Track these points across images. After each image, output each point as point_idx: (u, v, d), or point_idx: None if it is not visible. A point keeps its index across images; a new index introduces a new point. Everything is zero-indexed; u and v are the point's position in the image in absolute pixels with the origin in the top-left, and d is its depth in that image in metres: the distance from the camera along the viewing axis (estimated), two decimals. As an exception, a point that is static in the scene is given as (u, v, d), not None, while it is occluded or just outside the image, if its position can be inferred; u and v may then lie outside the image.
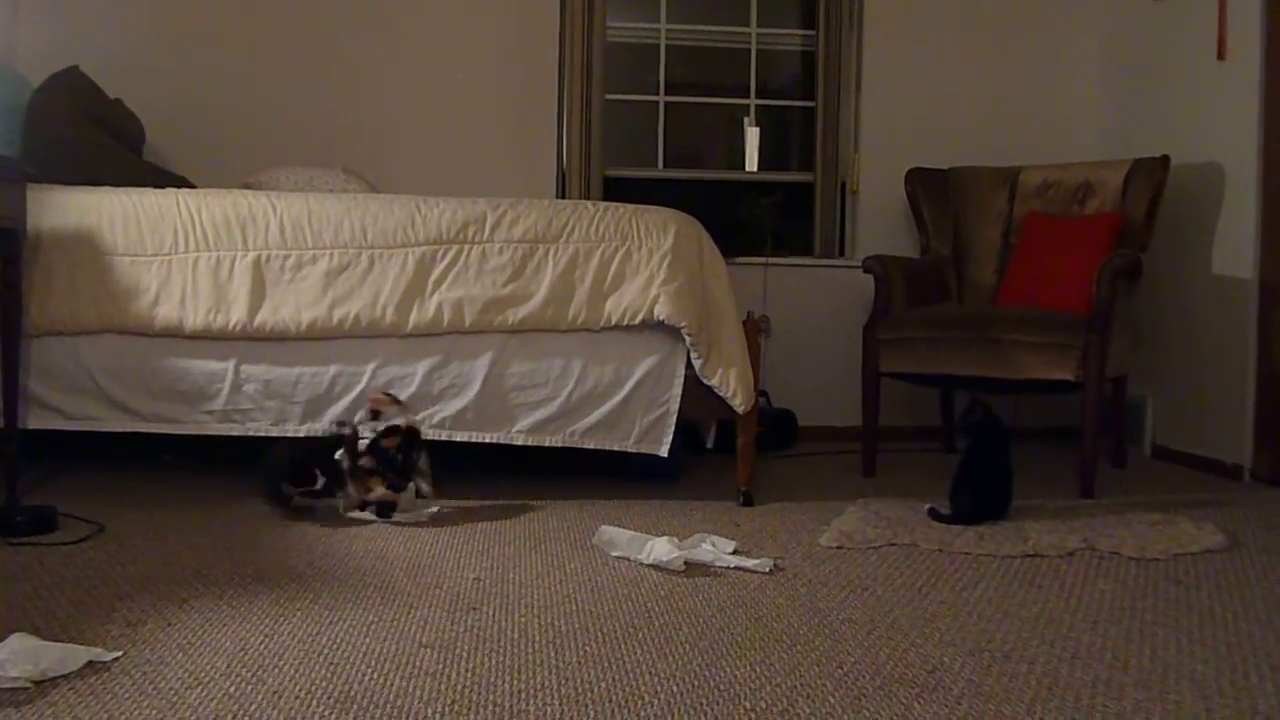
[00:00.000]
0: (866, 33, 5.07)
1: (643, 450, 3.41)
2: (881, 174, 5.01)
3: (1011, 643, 2.16)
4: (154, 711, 1.74)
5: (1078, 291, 3.90)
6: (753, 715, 1.76)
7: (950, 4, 5.11)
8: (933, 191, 4.71)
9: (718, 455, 3.94)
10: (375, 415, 3.12)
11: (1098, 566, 2.79)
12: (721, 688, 1.88)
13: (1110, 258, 3.84)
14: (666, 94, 5.29)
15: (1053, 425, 4.77)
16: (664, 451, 3.39)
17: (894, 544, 2.97)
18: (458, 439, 3.37)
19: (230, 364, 3.33)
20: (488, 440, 3.39)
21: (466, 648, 2.06)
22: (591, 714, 1.75)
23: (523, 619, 2.24)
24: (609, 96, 5.03)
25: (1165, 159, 4.21)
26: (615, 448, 3.40)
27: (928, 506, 3.29)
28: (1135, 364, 4.38)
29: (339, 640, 2.09)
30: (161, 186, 3.63)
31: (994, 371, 3.82)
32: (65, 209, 3.36)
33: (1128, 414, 4.44)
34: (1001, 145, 4.94)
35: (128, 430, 3.34)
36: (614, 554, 2.75)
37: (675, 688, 1.88)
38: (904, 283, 4.25)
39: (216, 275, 3.32)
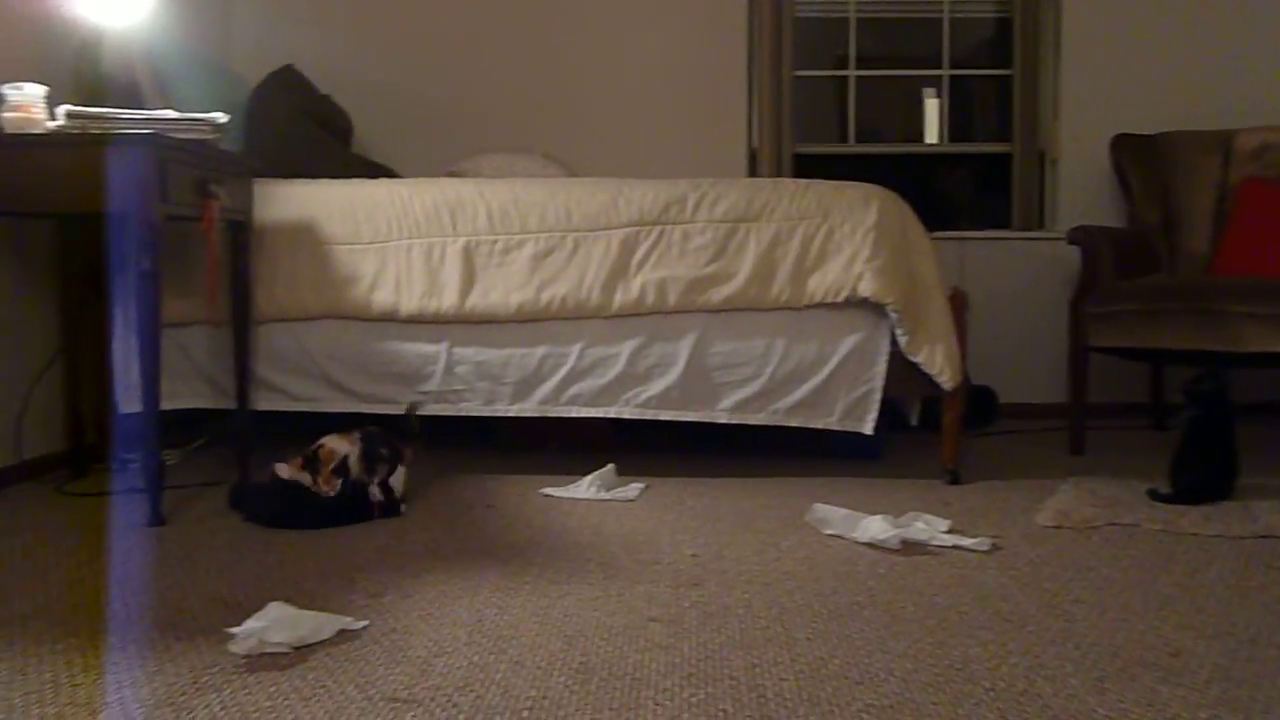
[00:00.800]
0: (1066, -5, 4.89)
1: (847, 428, 3.38)
2: (1082, 142, 4.84)
3: (1256, 627, 2.08)
4: (406, 678, 1.82)
5: (1304, 259, 3.70)
6: (992, 694, 1.74)
7: (1156, -41, 4.89)
8: (1140, 158, 4.53)
9: (916, 432, 3.88)
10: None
11: (1339, 548, 2.65)
12: (956, 666, 1.86)
13: (1342, 223, 3.62)
14: (849, 68, 5.22)
15: (1266, 400, 4.54)
16: (869, 430, 3.37)
17: (1115, 524, 2.88)
18: (663, 418, 3.41)
19: (443, 346, 3.45)
20: (691, 419, 3.42)
21: (694, 622, 2.09)
22: (829, 690, 1.76)
23: (745, 595, 2.26)
24: (797, 73, 4.99)
25: (1400, 116, 3.95)
26: (819, 426, 3.39)
27: (1147, 487, 3.17)
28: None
29: (570, 613, 2.15)
30: (372, 177, 3.79)
31: (1212, 345, 3.65)
32: (286, 201, 3.53)
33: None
34: (1214, 107, 4.69)
35: (348, 411, 3.48)
36: (827, 531, 2.74)
37: (909, 665, 1.87)
38: (1112, 254, 4.09)
39: (429, 261, 3.43)
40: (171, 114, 3.03)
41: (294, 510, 2.87)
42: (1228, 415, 3.13)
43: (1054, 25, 4.91)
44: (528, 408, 3.44)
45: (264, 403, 3.50)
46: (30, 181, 2.84)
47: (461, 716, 1.67)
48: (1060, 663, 1.88)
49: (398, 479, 3.03)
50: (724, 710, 1.68)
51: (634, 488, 3.24)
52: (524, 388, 3.44)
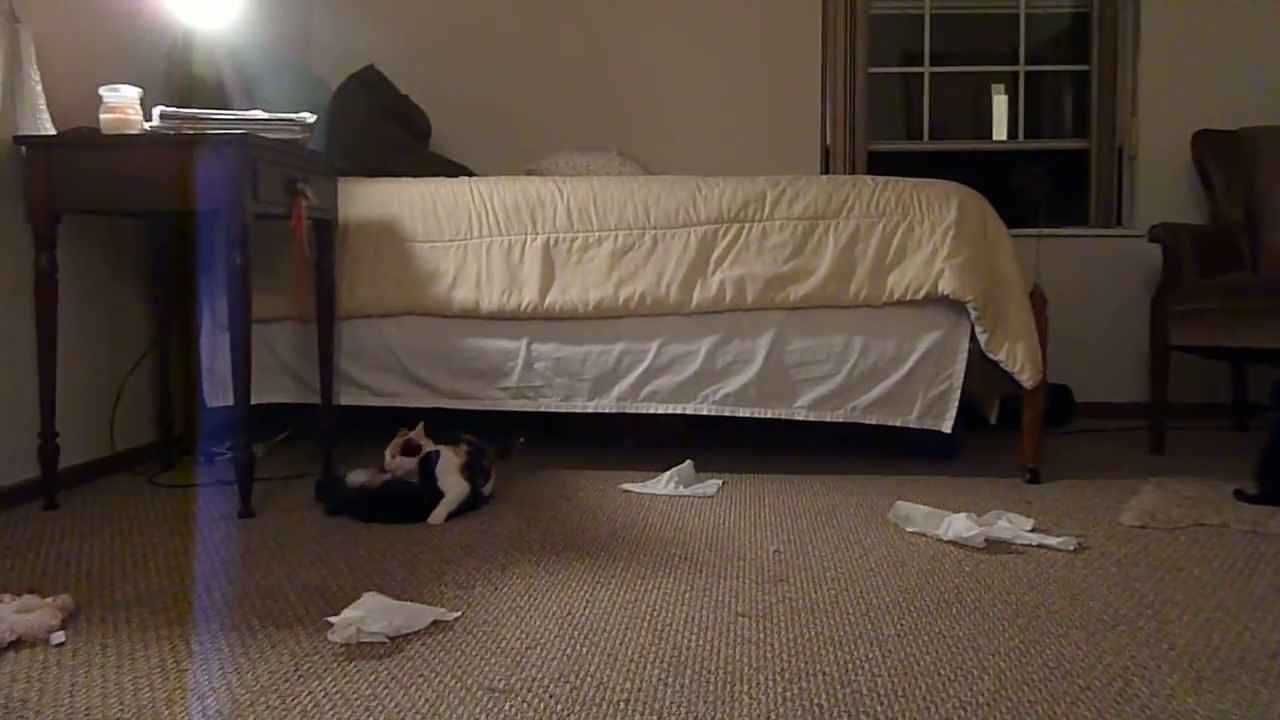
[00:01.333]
0: (1145, -11, 4.82)
1: (925, 426, 3.37)
2: (1162, 137, 4.78)
3: (1355, 629, 2.05)
4: (502, 668, 1.85)
5: (1395, 257, 3.63)
6: (1089, 693, 1.74)
7: (1237, -48, 4.80)
8: (1222, 154, 4.46)
9: (989, 431, 3.85)
10: (413, 450, 2.98)
11: None
12: (1050, 665, 1.86)
13: None
14: (921, 65, 5.18)
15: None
16: (947, 428, 3.35)
17: (1201, 524, 2.84)
18: (741, 415, 3.42)
19: (522, 343, 3.48)
20: (769, 416, 3.42)
21: (783, 618, 2.10)
22: (922, 687, 1.76)
23: (832, 591, 2.27)
24: (871, 70, 4.97)
25: None
26: (897, 423, 3.39)
27: (1234, 487, 3.13)
28: None
29: (658, 607, 2.17)
30: (451, 176, 3.83)
31: (1298, 344, 3.60)
32: (368, 200, 3.58)
33: None
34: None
35: (429, 406, 3.53)
36: (910, 529, 2.74)
37: (1001, 663, 1.86)
38: (1194, 251, 4.04)
39: (509, 259, 3.47)
40: (261, 114, 3.09)
41: (376, 503, 2.92)
42: (1316, 415, 3.08)
43: (1133, 20, 4.84)
44: (606, 404, 3.47)
45: (347, 398, 3.56)
46: (127, 181, 2.90)
47: (559, 707, 1.69)
48: (1156, 662, 1.87)
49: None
50: (819, 705, 1.69)
51: (712, 484, 3.26)
52: (602, 384, 3.47)
